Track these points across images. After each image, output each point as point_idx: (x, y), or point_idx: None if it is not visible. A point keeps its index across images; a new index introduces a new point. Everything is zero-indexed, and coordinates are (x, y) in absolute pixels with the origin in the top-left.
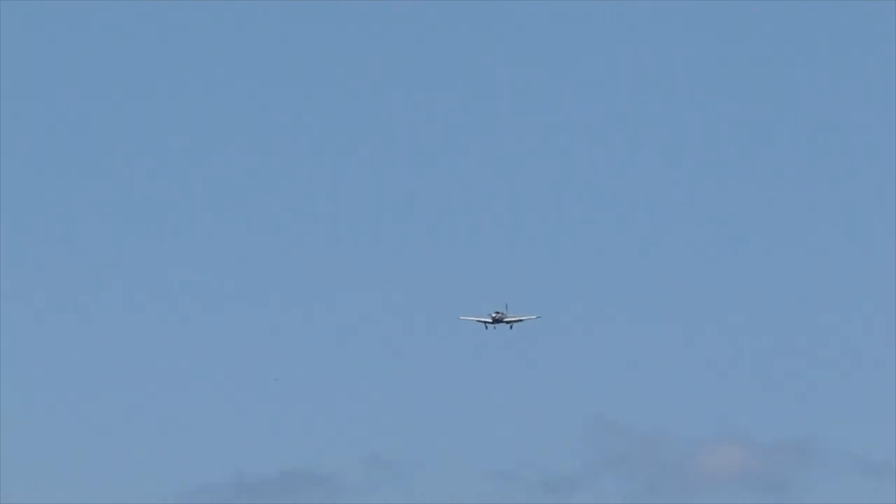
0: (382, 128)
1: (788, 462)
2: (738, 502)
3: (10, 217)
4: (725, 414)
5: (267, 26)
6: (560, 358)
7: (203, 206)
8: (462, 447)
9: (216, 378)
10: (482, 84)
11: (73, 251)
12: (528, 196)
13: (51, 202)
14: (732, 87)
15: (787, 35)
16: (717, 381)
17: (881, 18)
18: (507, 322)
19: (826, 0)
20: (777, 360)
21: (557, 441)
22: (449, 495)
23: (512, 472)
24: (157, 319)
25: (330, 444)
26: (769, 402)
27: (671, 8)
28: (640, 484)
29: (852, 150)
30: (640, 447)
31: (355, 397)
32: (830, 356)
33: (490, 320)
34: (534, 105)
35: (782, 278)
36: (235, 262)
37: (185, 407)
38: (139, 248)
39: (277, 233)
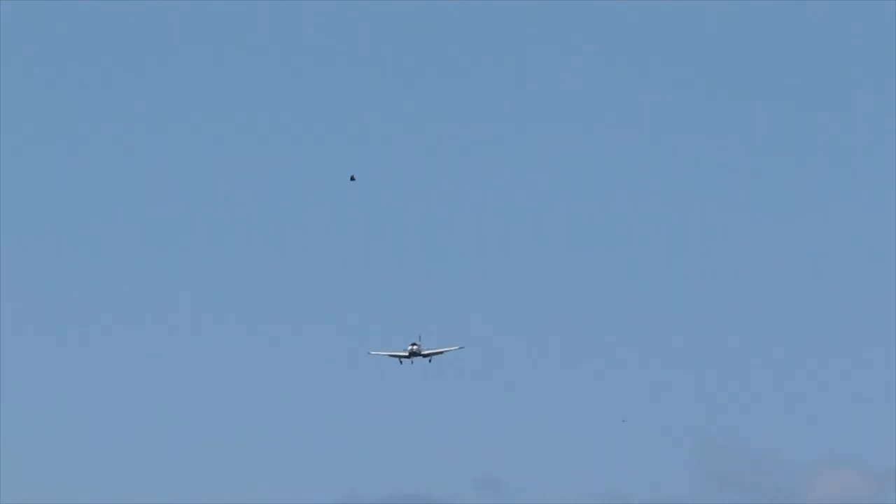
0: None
1: None
2: None
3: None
4: (839, 438)
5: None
6: (669, 378)
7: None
8: (572, 469)
9: (328, 400)
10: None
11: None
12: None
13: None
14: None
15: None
16: (831, 403)
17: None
18: (425, 355)
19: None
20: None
21: (667, 463)
22: None
23: (621, 495)
24: (272, 336)
25: (440, 467)
26: (883, 426)
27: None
28: None
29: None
30: (750, 470)
31: (466, 420)
32: None
33: (406, 354)
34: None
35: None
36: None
37: (297, 428)
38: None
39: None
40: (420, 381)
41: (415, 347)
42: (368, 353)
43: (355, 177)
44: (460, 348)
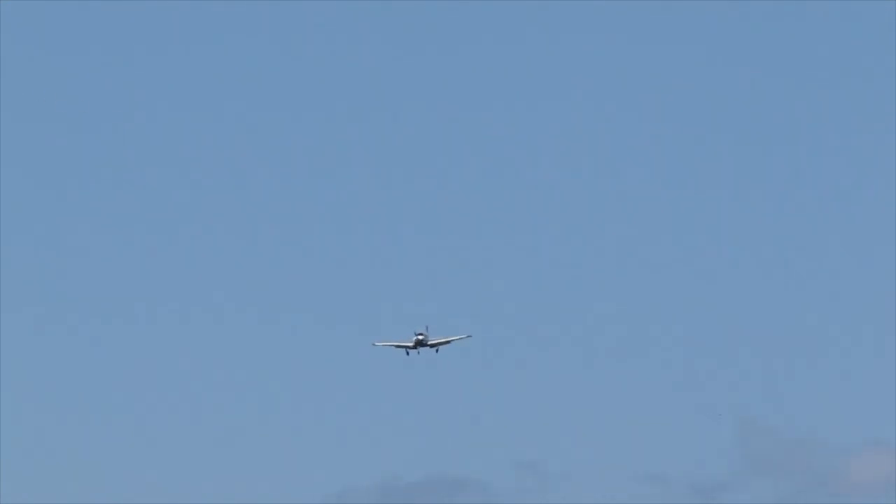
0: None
1: None
2: None
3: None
4: (879, 420)
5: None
6: (708, 360)
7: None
8: (612, 451)
9: (364, 381)
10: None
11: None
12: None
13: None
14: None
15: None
16: (871, 386)
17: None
18: (432, 345)
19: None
20: None
21: (708, 445)
22: (599, 499)
23: (662, 476)
24: (294, 326)
25: (479, 450)
26: None
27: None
28: (790, 489)
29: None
30: (791, 452)
31: (505, 402)
32: None
33: (412, 345)
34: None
35: None
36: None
37: (334, 410)
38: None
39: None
40: (459, 366)
41: (421, 337)
42: (373, 345)
43: None
44: (468, 337)
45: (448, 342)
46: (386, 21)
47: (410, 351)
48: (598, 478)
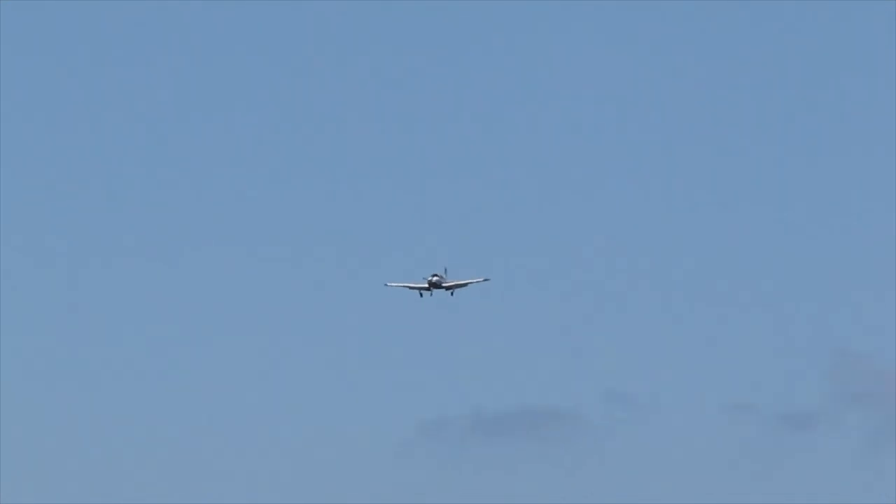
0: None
1: None
2: None
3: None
4: None
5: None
6: (801, 290)
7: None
8: (701, 381)
9: (453, 314)
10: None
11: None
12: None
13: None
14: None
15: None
16: None
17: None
18: (447, 287)
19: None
20: None
21: (799, 374)
22: (687, 429)
23: (751, 406)
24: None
25: (567, 380)
26: None
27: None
28: (882, 420)
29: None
30: (883, 382)
31: (592, 333)
32: None
33: (426, 286)
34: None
35: None
36: None
37: (424, 341)
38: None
39: None
40: (550, 298)
41: (435, 279)
42: (385, 285)
43: None
44: (485, 280)
45: (464, 285)
46: None
47: (424, 293)
48: (688, 408)
